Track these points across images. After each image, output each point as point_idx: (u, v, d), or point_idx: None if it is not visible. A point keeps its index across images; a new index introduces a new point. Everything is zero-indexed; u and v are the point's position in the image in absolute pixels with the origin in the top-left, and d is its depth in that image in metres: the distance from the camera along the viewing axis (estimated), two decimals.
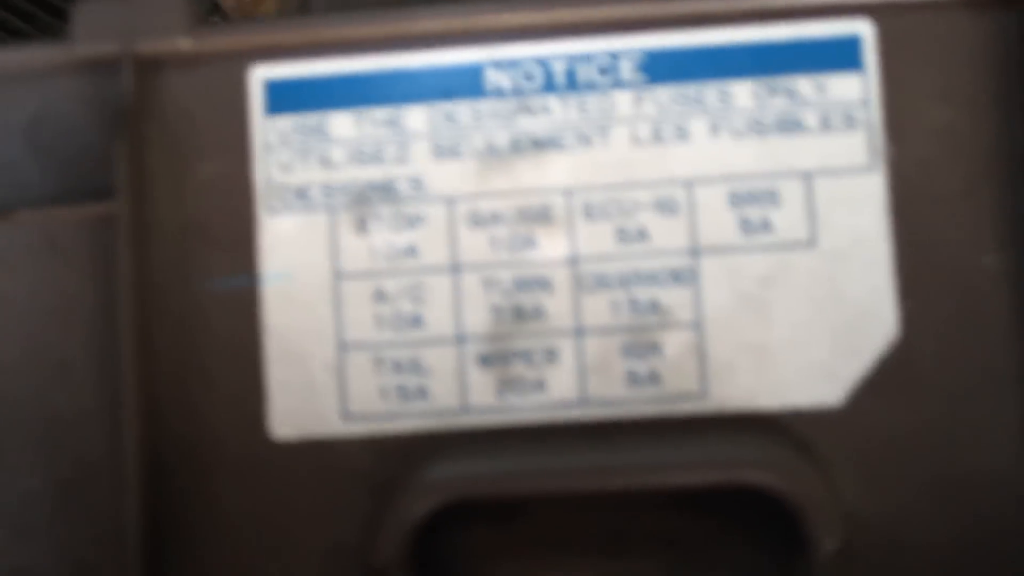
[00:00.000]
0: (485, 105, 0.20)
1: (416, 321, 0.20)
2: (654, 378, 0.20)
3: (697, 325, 0.20)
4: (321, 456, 0.20)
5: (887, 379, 0.20)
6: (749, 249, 0.20)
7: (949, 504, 0.19)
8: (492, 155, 0.20)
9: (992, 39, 0.20)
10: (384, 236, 0.20)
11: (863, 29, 0.20)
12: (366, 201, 0.20)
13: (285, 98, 0.21)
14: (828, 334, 0.20)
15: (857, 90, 0.20)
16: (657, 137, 0.20)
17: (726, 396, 0.20)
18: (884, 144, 0.20)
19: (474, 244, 0.20)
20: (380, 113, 0.21)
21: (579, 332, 0.20)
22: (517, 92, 0.20)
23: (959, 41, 0.20)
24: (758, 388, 0.20)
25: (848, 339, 0.20)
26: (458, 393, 0.20)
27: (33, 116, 0.21)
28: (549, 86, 0.20)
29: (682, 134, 0.20)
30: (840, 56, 0.20)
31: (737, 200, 0.20)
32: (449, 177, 0.20)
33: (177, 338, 0.20)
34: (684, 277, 0.20)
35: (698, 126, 0.20)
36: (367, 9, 0.21)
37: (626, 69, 0.20)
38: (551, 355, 0.20)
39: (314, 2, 0.25)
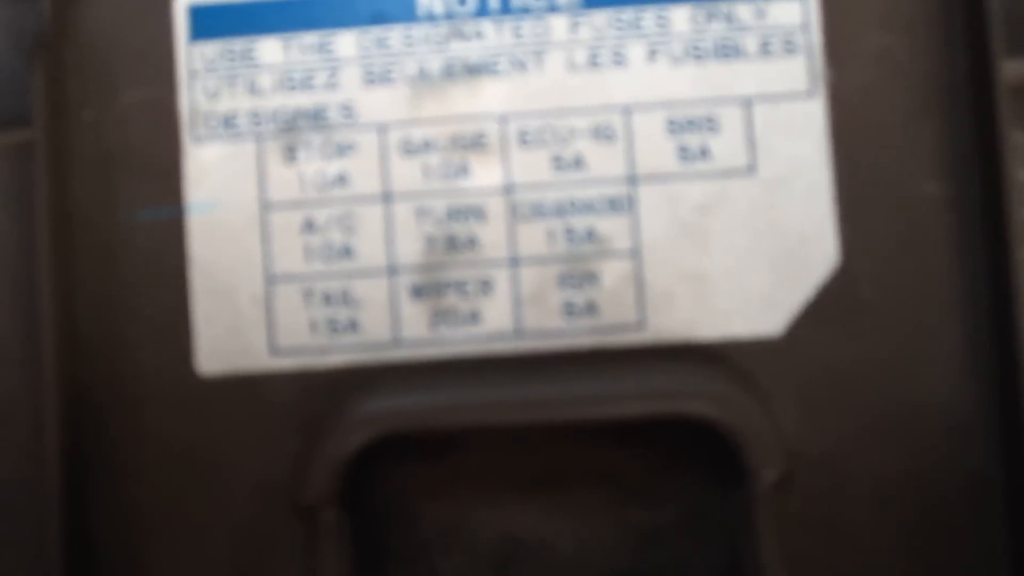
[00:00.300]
0: (417, 30, 0.20)
1: (346, 252, 0.20)
2: (591, 308, 0.19)
3: (635, 254, 0.19)
4: (249, 391, 0.20)
5: (828, 308, 0.19)
6: (687, 177, 0.20)
7: (890, 435, 0.19)
8: (424, 81, 0.20)
9: None
10: (314, 165, 0.20)
11: None
12: (295, 129, 0.20)
13: (211, 23, 0.20)
14: (768, 263, 0.19)
15: (797, 15, 0.20)
16: (593, 63, 0.20)
17: (664, 326, 0.19)
18: (824, 70, 0.20)
19: (406, 173, 0.20)
20: (309, 38, 0.20)
21: (514, 262, 0.20)
22: (450, 16, 0.20)
23: None
24: (697, 318, 0.19)
25: (788, 268, 0.19)
26: (390, 326, 0.20)
27: None
28: (483, 10, 0.20)
29: (619, 60, 0.20)
30: None
31: (675, 127, 0.20)
32: (380, 104, 0.20)
33: (99, 270, 0.20)
34: (621, 205, 0.20)
35: (635, 51, 0.20)
36: None
37: None
38: (485, 286, 0.20)
39: None
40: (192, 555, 0.20)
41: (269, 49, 0.20)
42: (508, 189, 0.20)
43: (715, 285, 0.19)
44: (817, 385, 0.19)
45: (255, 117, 0.20)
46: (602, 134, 0.20)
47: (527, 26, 0.20)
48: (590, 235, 0.20)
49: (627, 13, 0.20)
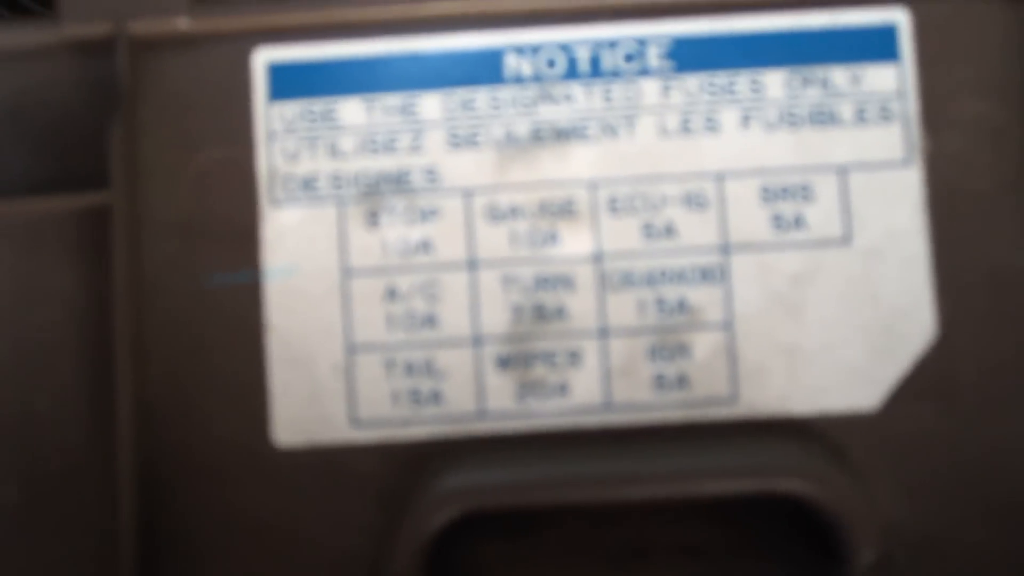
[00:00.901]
0: (504, 92, 0.19)
1: (430, 321, 0.19)
2: (682, 381, 0.19)
3: (727, 325, 0.19)
4: (329, 464, 0.19)
5: (925, 383, 0.19)
6: (782, 246, 0.19)
7: (991, 512, 0.19)
8: (511, 145, 0.19)
9: None
10: (397, 230, 0.19)
11: (899, 18, 0.19)
12: (377, 193, 0.19)
13: (291, 82, 0.19)
14: (863, 335, 0.19)
15: (893, 81, 0.19)
16: (686, 128, 0.19)
17: (757, 400, 0.19)
18: (920, 137, 0.19)
19: (492, 239, 0.19)
20: (393, 99, 0.19)
21: (603, 333, 0.19)
22: (538, 79, 0.19)
23: (995, 32, 0.19)
24: (791, 392, 0.19)
25: (884, 341, 0.19)
26: (474, 397, 0.19)
27: (18, 99, 0.20)
28: (572, 73, 0.19)
29: (712, 125, 0.19)
30: (876, 46, 0.19)
31: (769, 195, 0.19)
32: (466, 168, 0.19)
33: (173, 338, 0.19)
34: (714, 275, 0.19)
35: (729, 117, 0.19)
36: None
37: (653, 56, 0.19)
38: (574, 357, 0.19)
39: None
40: None
41: (351, 110, 0.19)
42: (597, 257, 0.19)
43: (809, 358, 0.19)
44: (914, 462, 0.19)
45: (336, 180, 0.19)
46: (694, 201, 0.19)
47: (618, 89, 0.19)
48: (681, 306, 0.19)
49: (720, 77, 0.19)
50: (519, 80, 0.19)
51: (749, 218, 0.19)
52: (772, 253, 0.19)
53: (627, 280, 0.19)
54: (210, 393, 0.19)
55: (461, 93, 0.19)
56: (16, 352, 0.19)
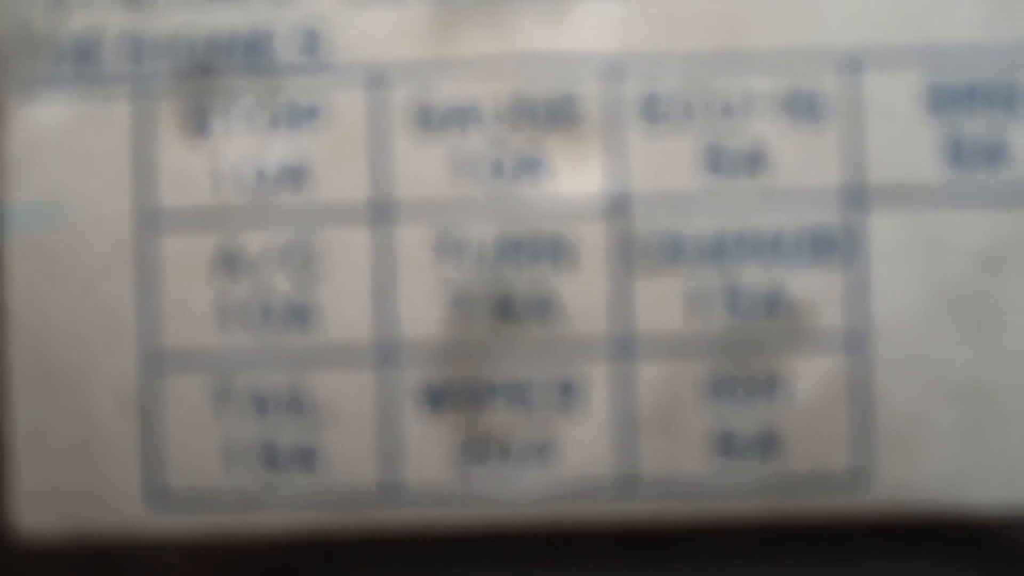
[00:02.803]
0: None
1: (301, 315, 0.10)
2: (768, 443, 0.10)
3: (857, 340, 0.10)
4: (109, 569, 0.10)
5: None
6: (959, 197, 0.10)
7: None
8: None
9: None
10: (243, 144, 0.10)
11: None
12: (210, 73, 0.10)
13: None
14: None
15: None
16: None
17: (900, 480, 0.10)
18: None
19: (421, 166, 0.10)
20: None
21: (624, 349, 0.10)
22: None
23: None
24: (964, 468, 0.10)
25: None
26: (377, 461, 0.10)
27: None
28: None
29: None
30: None
31: (943, 99, 0.10)
32: (376, 32, 0.10)
33: None
34: (835, 247, 0.10)
35: None
36: None
37: None
38: (566, 391, 0.10)
39: None
40: None
41: None
42: (618, 207, 0.10)
43: (1000, 406, 0.10)
44: None
45: (136, 48, 0.10)
46: (802, 105, 0.10)
47: None
48: (773, 303, 0.10)
49: None
50: None
51: (903, 142, 0.10)
52: (943, 210, 0.10)
53: (673, 251, 0.10)
54: None
55: None
56: None
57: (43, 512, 0.10)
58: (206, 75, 0.10)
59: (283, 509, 0.10)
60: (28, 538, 0.10)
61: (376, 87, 0.10)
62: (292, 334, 0.10)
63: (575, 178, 0.10)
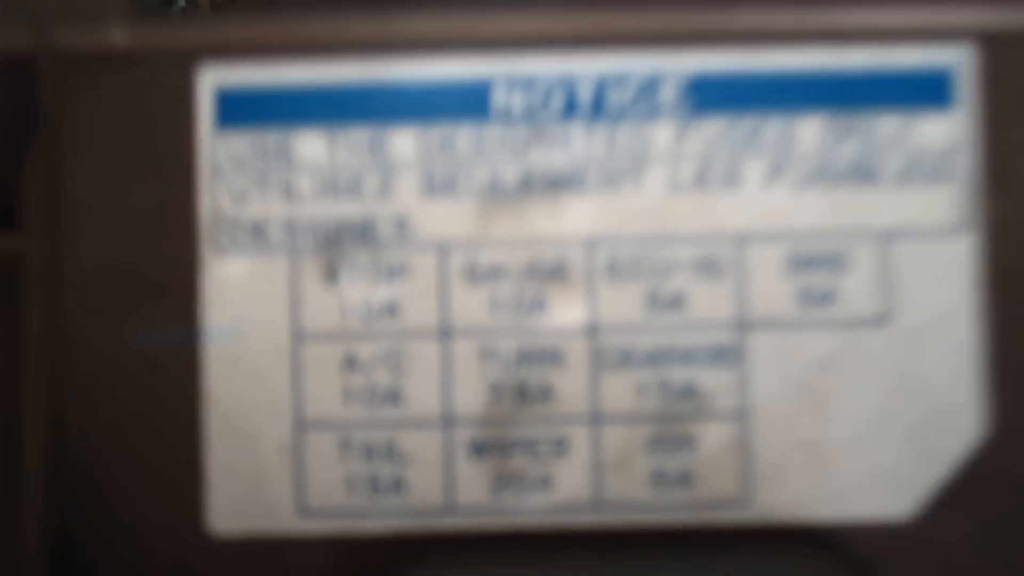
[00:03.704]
0: (491, 131, 0.16)
1: (394, 396, 0.16)
2: (686, 479, 0.16)
3: (742, 415, 0.16)
4: (272, 558, 0.16)
5: (970, 491, 0.16)
6: (809, 325, 0.16)
7: None
8: (497, 194, 0.16)
9: None
10: (358, 289, 0.16)
11: (962, 58, 0.16)
12: (338, 244, 0.16)
13: (242, 109, 0.17)
14: (900, 432, 0.16)
15: (948, 134, 0.16)
16: (702, 181, 0.16)
17: (773, 504, 0.16)
18: (979, 201, 0.16)
19: (470, 304, 0.16)
20: (359, 134, 0.16)
21: (596, 418, 0.16)
22: (531, 117, 0.16)
23: None
24: (812, 495, 0.16)
25: (923, 439, 0.16)
26: (442, 488, 0.16)
27: None
28: (570, 111, 0.16)
29: (732, 179, 0.16)
30: (932, 91, 0.16)
31: (797, 264, 0.16)
32: (442, 219, 0.16)
33: (97, 403, 0.16)
34: (728, 356, 0.16)
35: (753, 170, 0.16)
36: (347, 3, 0.17)
37: (667, 94, 0.16)
38: (560, 446, 0.16)
39: None
40: None
41: (310, 145, 0.16)
42: (592, 331, 0.16)
43: (836, 456, 0.16)
44: None
45: (290, 227, 0.16)
46: (708, 268, 0.16)
47: (623, 133, 0.16)
48: (689, 391, 0.16)
49: (745, 123, 0.16)
50: (508, 117, 0.16)
51: (772, 290, 0.16)
52: (797, 333, 0.16)
53: (626, 358, 0.16)
54: (137, 471, 0.16)
55: (440, 130, 0.16)
56: None
57: (229, 520, 0.16)
58: (336, 245, 0.16)
59: (383, 518, 0.16)
60: (219, 537, 0.16)
61: (442, 254, 0.16)
62: (389, 408, 0.16)
63: (565, 313, 0.16)
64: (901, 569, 0.16)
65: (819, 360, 0.16)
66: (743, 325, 0.16)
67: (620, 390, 0.16)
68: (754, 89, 0.16)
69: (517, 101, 0.16)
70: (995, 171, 0.16)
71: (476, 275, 0.16)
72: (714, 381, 0.16)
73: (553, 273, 0.16)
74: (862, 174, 0.16)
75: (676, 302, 0.16)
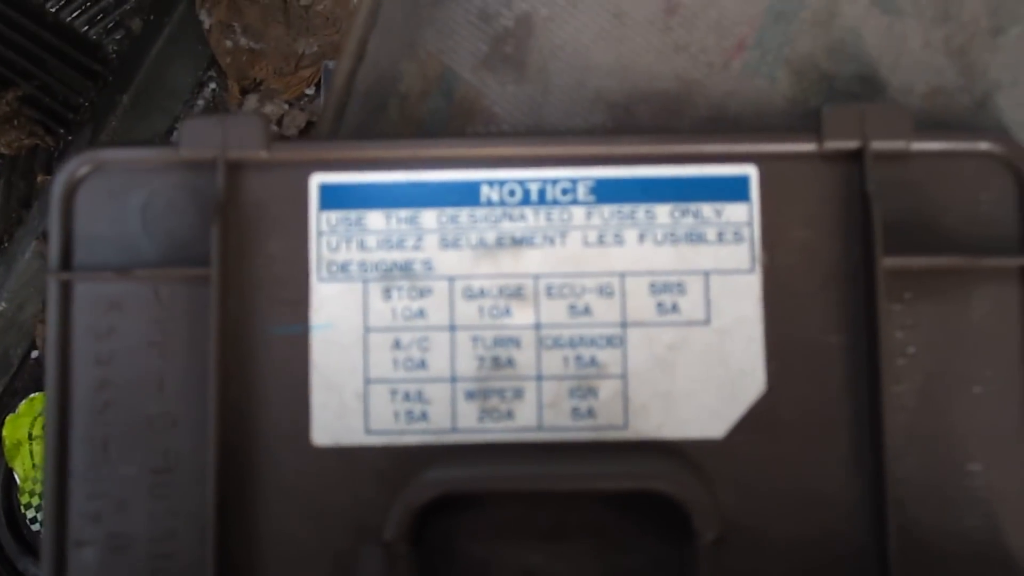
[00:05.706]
0: (479, 212, 0.28)
1: (422, 364, 0.28)
2: (591, 413, 0.28)
3: (623, 376, 0.28)
4: (349, 459, 0.28)
5: (756, 421, 0.28)
6: (662, 324, 0.28)
7: (798, 513, 0.28)
8: (483, 247, 0.28)
9: (840, 182, 0.28)
10: (403, 302, 0.28)
11: (750, 171, 0.28)
12: (390, 276, 0.28)
13: (335, 198, 0.29)
14: (716, 387, 0.28)
15: (745, 215, 0.28)
16: (601, 241, 0.28)
17: (641, 428, 0.28)
18: (761, 254, 0.28)
19: (467, 311, 0.28)
20: (403, 213, 0.28)
21: (539, 378, 0.28)
22: (503, 203, 0.28)
23: (815, 182, 0.28)
24: (664, 423, 0.28)
25: (730, 391, 0.28)
26: (450, 418, 0.28)
27: (147, 200, 0.29)
28: (526, 200, 0.28)
29: (619, 240, 0.28)
30: (734, 190, 0.28)
31: (656, 289, 0.28)
32: (451, 262, 0.28)
33: (245, 369, 0.28)
34: (615, 342, 0.28)
35: (631, 234, 0.28)
36: (395, 138, 0.29)
37: (582, 191, 0.28)
38: (518, 393, 0.28)
39: (347, 116, 0.33)
40: (300, 573, 0.28)
41: (375, 219, 0.28)
42: (537, 327, 0.28)
43: (678, 401, 0.28)
44: (746, 475, 0.28)
45: (363, 266, 0.28)
46: (605, 292, 0.28)
47: (556, 213, 0.28)
48: (592, 362, 0.28)
49: (626, 207, 0.28)
50: (490, 203, 0.28)
51: (641, 305, 0.28)
52: (655, 328, 0.28)
53: (556, 343, 0.28)
54: (270, 407, 0.28)
55: (450, 211, 0.28)
56: (140, 376, 0.28)
57: (325, 436, 0.28)
58: (389, 277, 0.28)
59: (415, 436, 0.28)
60: (317, 446, 0.28)
61: (451, 282, 0.28)
62: (419, 372, 0.28)
63: (522, 317, 0.28)
64: (718, 467, 0.28)
65: (668, 344, 0.28)
66: (624, 324, 0.28)
67: (553, 362, 0.28)
68: (632, 188, 0.28)
69: (495, 194, 0.28)
70: (769, 238, 0.28)
71: (471, 295, 0.28)
72: (608, 356, 0.28)
73: (515, 294, 0.28)
74: (694, 238, 0.28)
75: (586, 311, 0.28)
